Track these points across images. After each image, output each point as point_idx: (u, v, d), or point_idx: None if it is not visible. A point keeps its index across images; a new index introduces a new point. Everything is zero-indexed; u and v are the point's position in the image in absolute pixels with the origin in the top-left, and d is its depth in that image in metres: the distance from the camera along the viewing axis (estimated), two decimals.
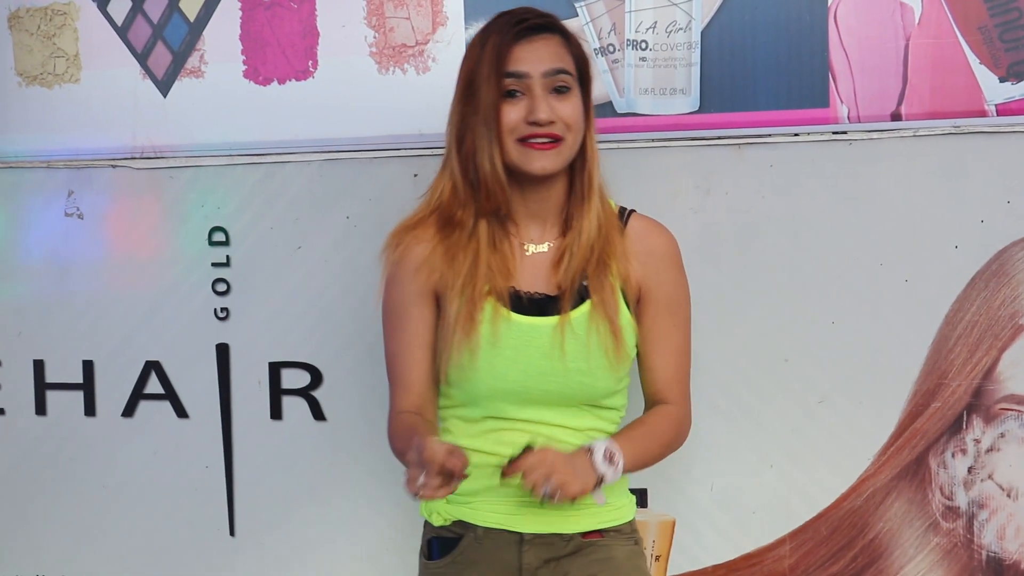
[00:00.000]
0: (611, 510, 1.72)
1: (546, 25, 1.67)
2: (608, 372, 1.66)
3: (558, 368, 1.63)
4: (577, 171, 1.69)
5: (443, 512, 1.72)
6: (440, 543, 1.72)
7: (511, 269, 1.67)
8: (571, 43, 1.68)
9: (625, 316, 1.68)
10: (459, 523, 1.71)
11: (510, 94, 1.63)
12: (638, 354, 1.74)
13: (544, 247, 1.70)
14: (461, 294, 1.65)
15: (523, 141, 1.63)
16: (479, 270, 1.65)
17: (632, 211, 1.76)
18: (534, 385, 1.65)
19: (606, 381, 1.67)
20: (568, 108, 1.64)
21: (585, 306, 1.66)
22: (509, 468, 1.53)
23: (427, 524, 1.75)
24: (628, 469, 1.63)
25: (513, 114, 1.63)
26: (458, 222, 1.67)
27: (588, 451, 1.58)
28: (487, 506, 1.69)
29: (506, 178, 1.65)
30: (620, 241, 1.70)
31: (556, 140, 1.63)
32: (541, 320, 1.65)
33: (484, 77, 1.62)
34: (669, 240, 1.75)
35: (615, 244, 1.68)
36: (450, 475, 1.46)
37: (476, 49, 1.65)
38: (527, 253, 1.70)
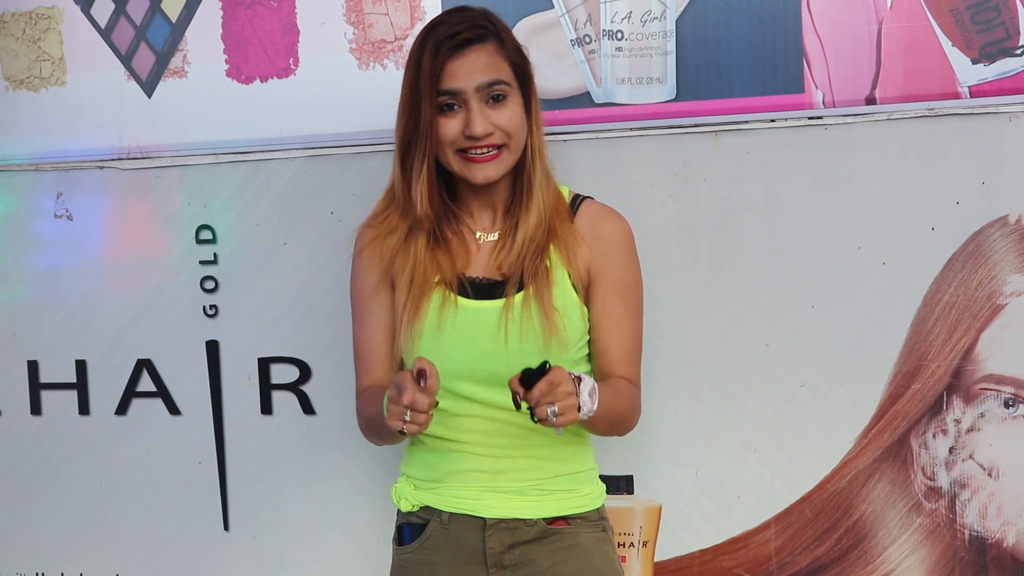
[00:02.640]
0: (577, 497, 1.77)
1: (477, 36, 1.69)
2: (560, 353, 1.69)
3: (501, 349, 1.68)
4: (519, 166, 1.74)
5: (410, 498, 1.78)
6: (410, 529, 1.78)
7: (462, 257, 1.75)
8: (506, 47, 1.72)
9: (570, 301, 1.73)
10: (426, 508, 1.77)
11: (449, 108, 1.69)
12: (590, 338, 1.77)
13: (495, 235, 1.77)
14: (409, 287, 1.73)
15: (463, 153, 1.69)
16: (427, 264, 1.73)
17: (586, 198, 1.80)
18: (480, 366, 1.70)
19: (558, 363, 1.66)
20: (505, 116, 1.69)
21: (523, 292, 1.71)
22: (525, 392, 1.51)
23: (399, 511, 1.81)
24: (598, 417, 1.61)
25: (450, 128, 1.69)
26: (401, 225, 1.75)
27: (577, 380, 1.57)
28: (451, 491, 1.75)
29: (445, 181, 1.74)
30: (568, 228, 1.74)
31: (497, 148, 1.69)
32: (487, 304, 1.71)
33: (422, 94, 1.68)
34: (620, 225, 1.79)
35: (558, 232, 1.73)
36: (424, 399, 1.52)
37: (413, 62, 1.71)
38: (479, 241, 1.77)
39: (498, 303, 1.71)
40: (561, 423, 1.52)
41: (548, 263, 1.72)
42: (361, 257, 1.81)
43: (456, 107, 1.69)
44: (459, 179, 1.75)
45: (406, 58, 2.15)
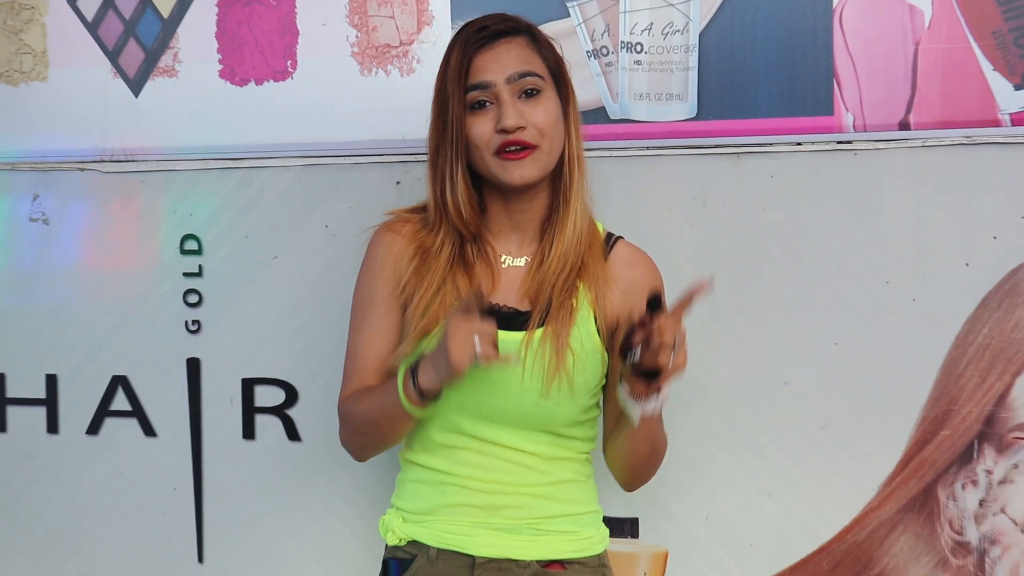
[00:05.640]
0: (577, 540, 1.77)
1: (508, 29, 1.73)
2: (568, 399, 1.70)
3: (514, 386, 1.68)
4: (557, 177, 1.75)
5: (398, 531, 1.79)
6: (397, 564, 1.78)
7: (485, 282, 1.75)
8: (540, 44, 1.75)
9: (592, 345, 1.73)
10: (414, 543, 1.77)
11: (479, 105, 1.70)
12: (609, 382, 1.79)
13: (521, 261, 1.77)
14: (424, 311, 1.72)
15: (499, 154, 1.69)
16: (448, 290, 1.72)
17: (619, 238, 1.82)
18: (486, 400, 1.70)
19: (566, 408, 1.72)
20: (540, 112, 1.70)
21: (543, 328, 1.71)
22: (648, 321, 1.53)
23: (386, 544, 1.82)
24: (655, 423, 1.69)
25: (483, 127, 1.69)
26: (431, 246, 1.76)
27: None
28: (440, 526, 1.75)
29: (485, 188, 1.75)
30: (600, 265, 1.75)
31: (529, 148, 1.69)
32: (506, 335, 1.70)
33: (450, 92, 1.70)
34: (654, 272, 1.81)
35: (590, 266, 1.74)
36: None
37: (442, 68, 1.74)
38: (504, 266, 1.77)
39: (517, 336, 1.71)
40: (679, 361, 1.55)
41: (575, 301, 1.72)
42: (375, 260, 1.81)
43: (488, 104, 1.70)
44: (489, 194, 1.75)
45: (411, 64, 2.24)
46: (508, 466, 1.73)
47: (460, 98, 1.69)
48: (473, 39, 1.71)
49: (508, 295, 1.75)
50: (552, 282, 1.72)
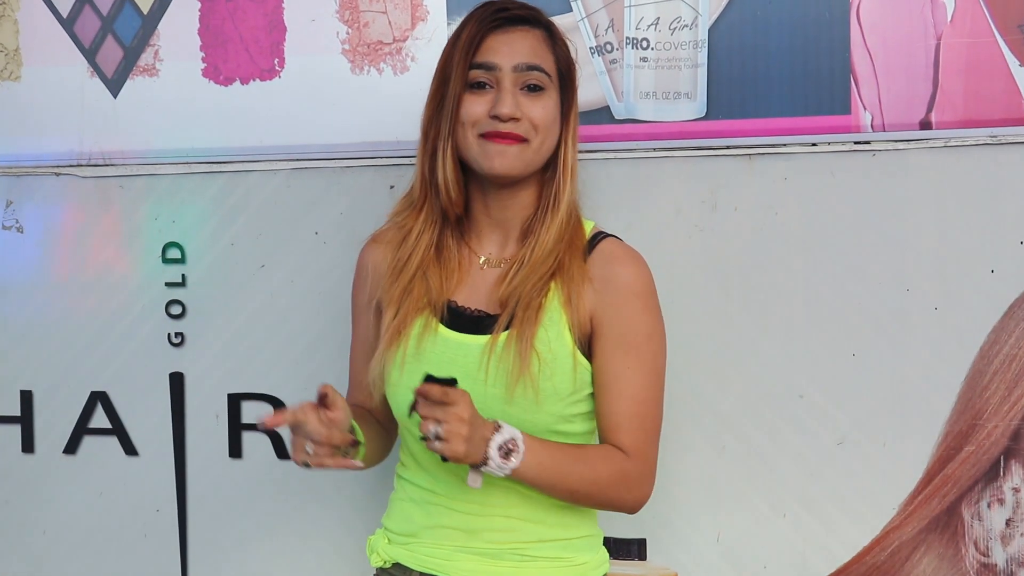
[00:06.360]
0: (568, 567, 1.74)
1: (529, 18, 1.74)
2: (534, 405, 1.66)
3: (477, 393, 1.63)
4: (546, 182, 1.75)
5: (382, 553, 1.80)
6: None
7: (457, 281, 1.76)
8: (556, 42, 1.76)
9: (561, 347, 1.68)
10: (398, 566, 1.78)
11: (479, 86, 1.70)
12: (595, 391, 1.75)
13: (500, 264, 1.76)
14: (396, 307, 1.74)
15: (485, 136, 1.69)
16: (418, 283, 1.74)
17: (607, 236, 1.78)
18: None
19: (534, 416, 1.67)
20: (538, 109, 1.70)
21: (508, 331, 1.70)
22: (419, 389, 1.53)
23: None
24: (529, 479, 1.61)
25: (476, 106, 1.69)
26: (412, 227, 1.78)
27: (494, 428, 1.57)
28: (423, 549, 1.75)
29: (467, 181, 1.75)
30: (577, 264, 1.72)
31: (520, 140, 1.69)
32: (470, 339, 1.70)
33: (454, 65, 1.71)
34: (635, 271, 1.73)
35: (566, 264, 1.71)
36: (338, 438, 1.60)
37: (452, 39, 1.74)
38: (481, 267, 1.77)
39: (481, 340, 1.70)
40: (441, 451, 1.52)
41: (544, 301, 1.70)
42: (357, 271, 1.87)
43: (488, 87, 1.70)
44: (472, 188, 1.75)
45: (404, 62, 2.25)
46: (488, 486, 1.68)
47: (463, 73, 1.70)
48: (490, 18, 1.72)
49: (480, 298, 1.75)
50: (524, 284, 1.71)
